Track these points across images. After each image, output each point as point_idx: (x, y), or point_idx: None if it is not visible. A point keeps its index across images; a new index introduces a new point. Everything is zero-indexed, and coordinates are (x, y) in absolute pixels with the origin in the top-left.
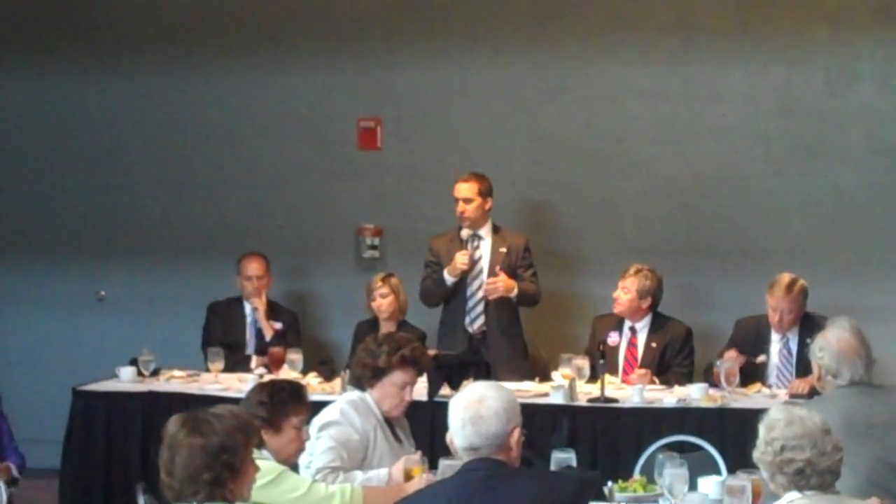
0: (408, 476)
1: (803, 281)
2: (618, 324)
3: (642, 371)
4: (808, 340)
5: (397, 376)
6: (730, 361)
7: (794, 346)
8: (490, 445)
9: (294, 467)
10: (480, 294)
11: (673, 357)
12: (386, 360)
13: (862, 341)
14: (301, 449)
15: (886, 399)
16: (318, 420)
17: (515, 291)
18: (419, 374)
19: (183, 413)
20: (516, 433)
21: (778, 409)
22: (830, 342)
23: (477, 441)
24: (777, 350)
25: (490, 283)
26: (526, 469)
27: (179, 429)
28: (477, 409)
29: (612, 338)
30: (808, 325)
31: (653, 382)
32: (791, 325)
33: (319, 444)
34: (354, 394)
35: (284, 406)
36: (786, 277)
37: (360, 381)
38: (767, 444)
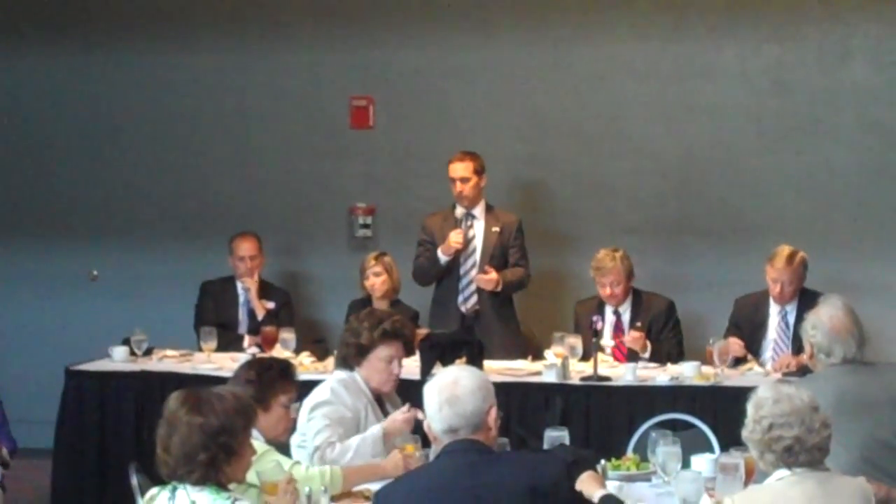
0: (401, 452)
1: (803, 253)
2: (599, 308)
3: (636, 333)
4: (806, 316)
5: (382, 351)
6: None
7: (791, 319)
8: (469, 426)
9: (284, 447)
10: (473, 273)
11: (659, 332)
12: (368, 337)
13: (854, 320)
14: (289, 427)
15: (879, 377)
16: (308, 402)
17: (500, 287)
18: (406, 347)
19: (185, 390)
20: (493, 412)
21: (766, 387)
22: (823, 320)
23: (456, 422)
24: (775, 324)
25: (484, 279)
26: (510, 452)
27: (180, 406)
28: (452, 391)
29: (596, 324)
30: (807, 300)
31: (645, 347)
32: (791, 297)
33: (312, 424)
34: (343, 374)
35: (272, 384)
36: (786, 249)
37: (347, 361)
38: (756, 423)
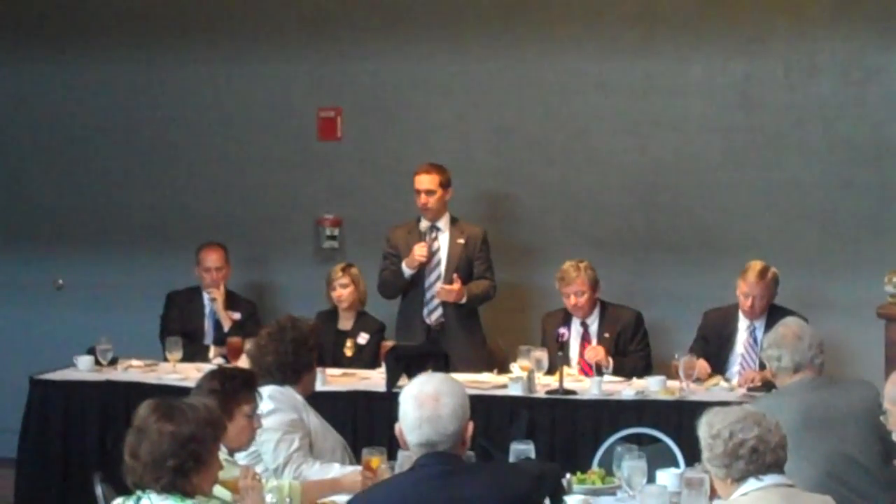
0: (367, 466)
1: (775, 269)
2: (566, 320)
3: (596, 346)
4: None
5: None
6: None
7: (759, 334)
8: (445, 442)
9: None
10: (438, 286)
11: (627, 344)
12: (316, 352)
13: (803, 328)
14: (252, 437)
15: (844, 392)
16: None
17: (465, 299)
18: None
19: (156, 399)
20: (470, 427)
21: (707, 413)
22: (773, 331)
23: (434, 438)
24: (743, 339)
25: (445, 290)
26: (482, 464)
27: (151, 413)
28: (434, 409)
29: (562, 336)
30: (776, 316)
31: (607, 360)
32: (761, 312)
33: (265, 440)
34: (272, 387)
35: (236, 394)
36: (758, 264)
37: (286, 378)
38: (714, 438)
